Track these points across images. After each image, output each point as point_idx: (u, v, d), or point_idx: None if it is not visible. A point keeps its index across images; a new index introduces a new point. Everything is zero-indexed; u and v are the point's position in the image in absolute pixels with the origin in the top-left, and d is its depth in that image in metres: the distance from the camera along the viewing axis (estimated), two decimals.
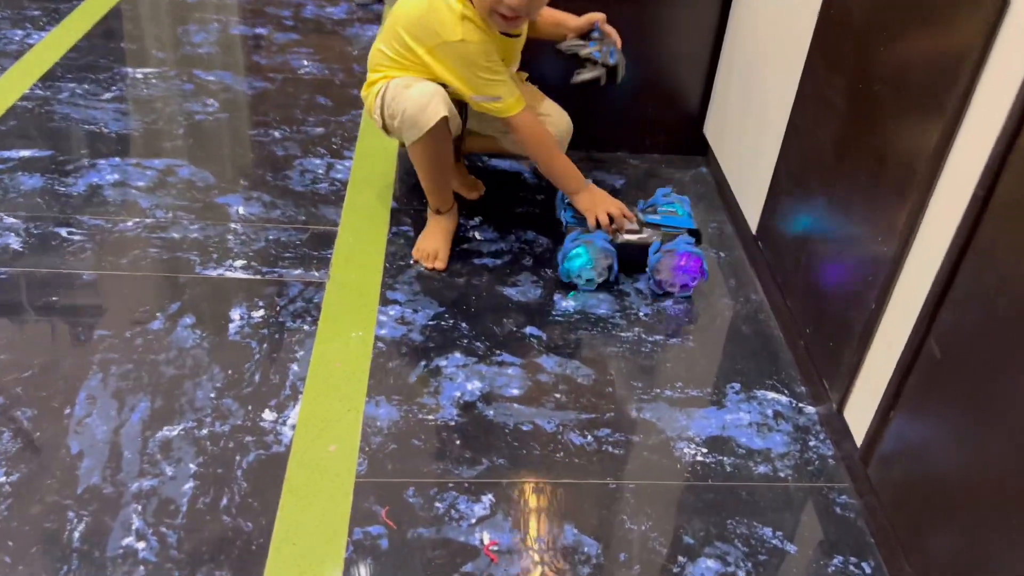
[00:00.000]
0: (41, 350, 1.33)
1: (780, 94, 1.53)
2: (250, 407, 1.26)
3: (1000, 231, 0.91)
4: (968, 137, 0.99)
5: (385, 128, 1.55)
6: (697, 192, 1.93)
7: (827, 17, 1.36)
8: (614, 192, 1.89)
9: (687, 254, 1.54)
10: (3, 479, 1.11)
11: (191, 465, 1.16)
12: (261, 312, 1.45)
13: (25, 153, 1.83)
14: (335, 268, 1.57)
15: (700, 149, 2.06)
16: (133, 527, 1.07)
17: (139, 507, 1.10)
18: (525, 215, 1.78)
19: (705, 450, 1.26)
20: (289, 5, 2.74)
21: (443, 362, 1.37)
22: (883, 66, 1.17)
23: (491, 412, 1.29)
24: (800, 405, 1.35)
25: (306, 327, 1.42)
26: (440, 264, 1.59)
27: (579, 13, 1.66)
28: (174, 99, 2.11)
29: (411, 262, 1.60)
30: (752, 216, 1.68)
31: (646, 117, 2.04)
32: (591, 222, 1.57)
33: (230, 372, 1.32)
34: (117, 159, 1.84)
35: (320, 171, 1.87)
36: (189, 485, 1.13)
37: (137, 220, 1.65)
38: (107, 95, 2.10)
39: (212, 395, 1.27)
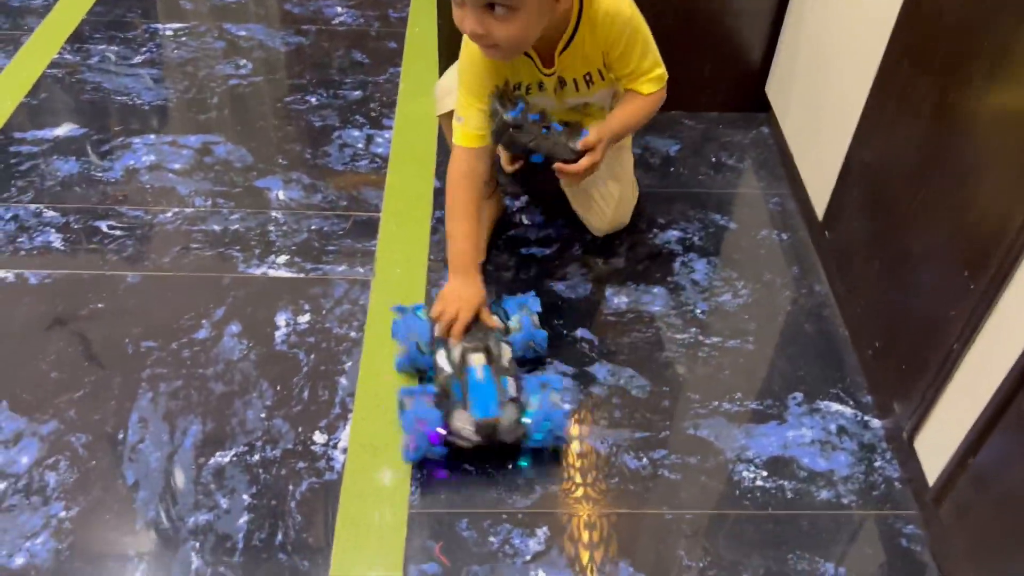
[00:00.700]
0: (91, 366, 1.32)
1: (856, 69, 1.40)
2: (300, 428, 1.25)
3: None
4: None
5: None
6: (757, 158, 1.82)
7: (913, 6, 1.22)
8: (667, 161, 1.80)
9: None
10: (63, 514, 1.13)
11: (245, 496, 1.16)
12: (307, 317, 1.42)
13: (59, 132, 1.78)
14: (379, 263, 1.52)
15: (762, 106, 1.93)
16: (193, 567, 1.08)
17: (197, 544, 1.10)
18: None
19: (765, 473, 1.22)
20: None
21: None
22: (981, 67, 1.05)
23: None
24: (866, 419, 1.30)
25: (353, 333, 1.39)
26: (479, 257, 1.53)
27: None
28: (206, 61, 2.02)
29: None
30: (819, 199, 1.57)
31: (703, 72, 1.90)
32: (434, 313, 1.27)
33: (279, 388, 1.30)
34: (152, 136, 1.78)
35: (360, 144, 1.79)
36: (244, 519, 1.13)
37: (176, 210, 1.61)
38: (138, 58, 2.02)
39: (262, 415, 1.26)
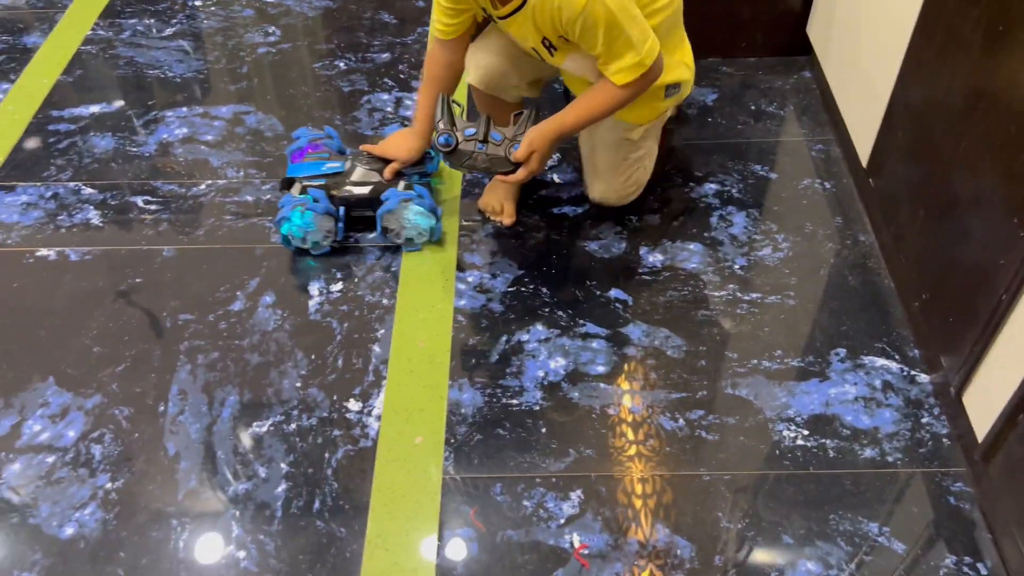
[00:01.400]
0: (131, 340, 1.34)
1: (900, 4, 1.33)
2: (335, 396, 1.25)
3: None
4: None
5: None
6: (799, 103, 1.75)
7: None
8: (704, 111, 1.74)
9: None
10: (109, 485, 1.16)
11: (282, 465, 1.17)
12: (339, 285, 1.42)
13: (95, 108, 1.80)
14: None
15: (803, 49, 1.85)
16: (233, 535, 1.10)
17: (237, 512, 1.12)
18: None
19: (807, 432, 1.19)
20: None
21: (524, 336, 1.33)
22: None
23: (576, 394, 1.24)
24: (912, 373, 1.25)
25: (385, 301, 1.39)
26: (507, 219, 1.50)
27: None
28: (235, 30, 2.01)
29: (485, 216, 1.53)
30: (863, 145, 1.51)
31: (740, 15, 1.83)
32: None
33: (313, 357, 1.31)
34: (184, 109, 1.79)
35: (388, 108, 1.78)
36: (282, 488, 1.15)
37: (209, 182, 1.62)
38: (169, 30, 2.02)
39: (298, 384, 1.27)
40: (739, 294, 1.38)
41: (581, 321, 1.35)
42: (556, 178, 1.60)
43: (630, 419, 1.21)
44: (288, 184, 1.47)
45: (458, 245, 1.48)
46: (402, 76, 1.86)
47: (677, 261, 1.44)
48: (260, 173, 1.63)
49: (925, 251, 1.27)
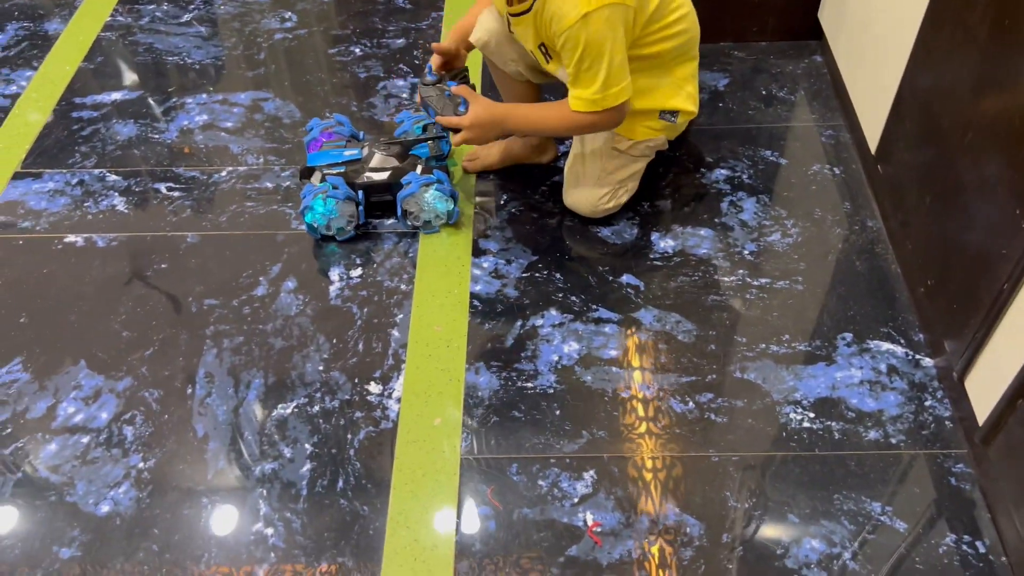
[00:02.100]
0: (159, 324, 1.39)
1: (907, 14, 1.34)
2: (356, 380, 1.30)
3: None
4: None
5: None
6: (810, 88, 1.77)
7: None
8: (715, 96, 1.76)
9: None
10: (141, 465, 1.21)
11: (307, 446, 1.22)
12: (359, 271, 1.46)
13: (116, 96, 1.83)
14: None
15: (814, 33, 1.86)
16: (261, 512, 1.15)
17: (264, 491, 1.18)
18: None
19: (813, 415, 1.23)
20: None
21: (539, 321, 1.36)
22: None
23: (589, 377, 1.29)
24: (917, 357, 1.28)
25: (403, 286, 1.43)
26: (471, 166, 1.58)
27: None
28: (251, 16, 2.04)
29: (502, 201, 1.56)
30: (871, 131, 1.53)
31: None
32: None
33: (334, 341, 1.35)
34: (204, 96, 1.82)
35: (404, 94, 1.80)
36: (307, 468, 1.20)
37: (230, 169, 1.65)
38: (187, 16, 2.05)
39: (320, 368, 1.32)
40: (748, 279, 1.41)
41: (594, 306, 1.38)
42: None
43: (641, 401, 1.26)
44: (308, 174, 1.51)
45: (473, 230, 1.52)
46: (417, 62, 1.89)
47: (688, 247, 1.47)
48: (279, 160, 1.67)
49: (931, 238, 1.30)
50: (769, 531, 1.11)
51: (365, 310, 1.40)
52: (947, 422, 1.21)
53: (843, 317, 1.35)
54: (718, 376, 1.28)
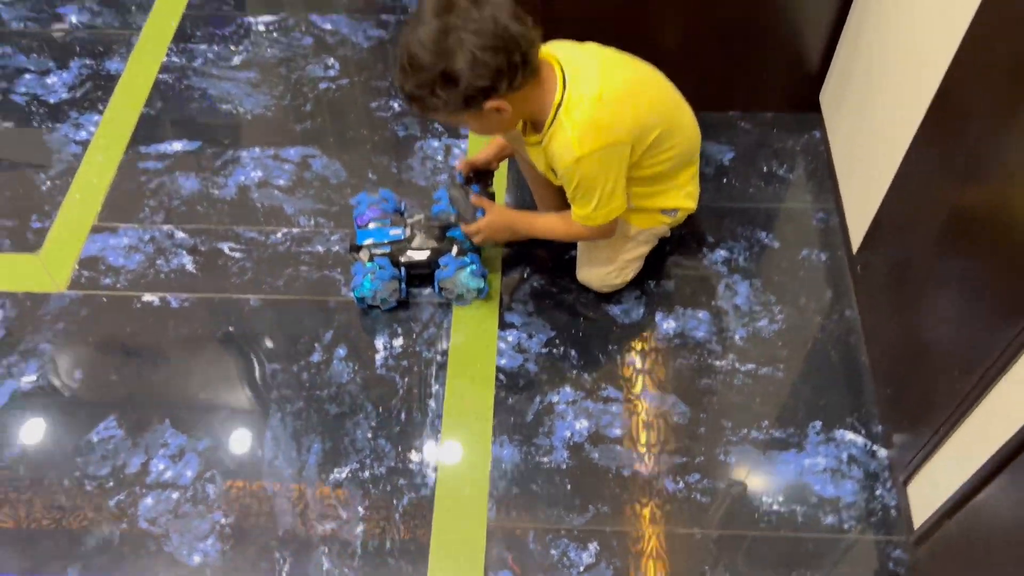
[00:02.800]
0: (229, 387, 1.62)
1: (909, 104, 1.45)
2: (400, 448, 1.54)
3: None
4: None
5: None
6: (808, 167, 1.94)
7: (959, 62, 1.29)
8: (720, 171, 1.94)
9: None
10: (223, 520, 1.46)
11: (359, 508, 1.47)
12: (400, 340, 1.68)
13: (178, 146, 2.02)
14: None
15: (815, 107, 2.02)
16: (324, 568, 1.41)
17: (325, 548, 1.43)
18: None
19: (782, 498, 1.47)
20: None
21: (555, 397, 1.60)
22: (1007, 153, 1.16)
23: (597, 455, 1.52)
24: (874, 448, 1.52)
25: (439, 357, 1.66)
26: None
27: None
28: (297, 61, 2.20)
29: (525, 275, 1.77)
30: (856, 224, 1.72)
31: (761, 74, 1.99)
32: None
33: (380, 410, 1.59)
34: (257, 149, 2.01)
35: (439, 156, 1.99)
36: (360, 528, 1.45)
37: (285, 231, 1.85)
38: (236, 59, 2.21)
39: (369, 435, 1.56)
40: (737, 364, 1.63)
41: (603, 385, 1.61)
42: None
43: (640, 480, 1.50)
44: (357, 249, 1.72)
45: (500, 304, 1.73)
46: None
47: (687, 329, 1.69)
48: (328, 223, 1.87)
49: (899, 340, 1.51)
50: None
51: (406, 379, 1.63)
52: (893, 511, 1.45)
53: (815, 406, 1.58)
54: (705, 458, 1.52)
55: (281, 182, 1.95)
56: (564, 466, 1.51)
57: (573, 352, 1.66)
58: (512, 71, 1.27)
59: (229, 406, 1.60)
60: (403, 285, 1.71)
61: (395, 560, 1.42)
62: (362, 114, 2.09)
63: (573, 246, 1.81)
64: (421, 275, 1.73)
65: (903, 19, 1.52)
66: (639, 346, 1.67)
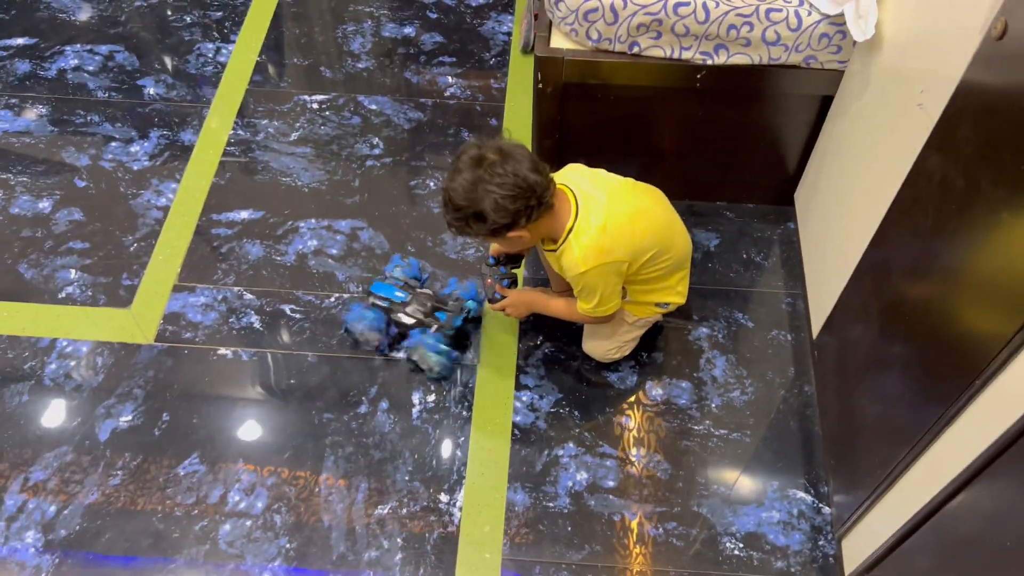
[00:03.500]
0: (291, 432, 1.96)
1: (867, 212, 1.73)
2: (431, 490, 1.88)
3: None
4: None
5: None
6: (781, 255, 2.28)
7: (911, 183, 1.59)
8: (707, 256, 2.27)
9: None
10: (288, 545, 1.80)
11: (398, 540, 1.81)
12: (433, 396, 2.02)
13: (244, 214, 2.36)
14: (483, 349, 2.09)
15: (791, 202, 2.35)
16: None
17: (371, 573, 1.77)
18: None
19: (742, 545, 1.80)
20: None
21: (560, 451, 1.93)
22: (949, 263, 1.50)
23: (593, 502, 1.86)
24: (820, 505, 1.85)
25: (464, 413, 1.99)
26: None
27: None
28: (347, 139, 2.53)
29: (538, 342, 2.11)
30: (817, 312, 2.05)
31: (743, 173, 2.32)
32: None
33: (416, 456, 1.93)
34: (313, 220, 2.35)
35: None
36: (399, 557, 1.79)
37: (337, 295, 2.19)
38: (294, 135, 2.55)
39: (406, 478, 1.89)
40: (712, 429, 1.97)
41: (600, 442, 1.95)
42: None
43: (627, 525, 1.83)
44: (368, 293, 2.08)
45: (516, 368, 2.07)
46: None
47: (672, 396, 2.02)
48: None
49: (845, 412, 1.84)
50: None
51: (437, 431, 1.97)
52: (831, 559, 1.79)
53: (774, 468, 1.91)
54: (682, 508, 1.85)
55: (334, 251, 2.29)
56: (566, 511, 1.85)
57: (576, 412, 2.00)
58: (528, 211, 1.62)
59: (292, 447, 1.94)
60: (385, 339, 2.06)
61: None
62: (403, 191, 2.42)
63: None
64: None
65: (864, 141, 1.85)
66: (631, 410, 2.00)
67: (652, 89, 2.06)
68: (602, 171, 1.81)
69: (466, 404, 2.01)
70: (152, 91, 2.66)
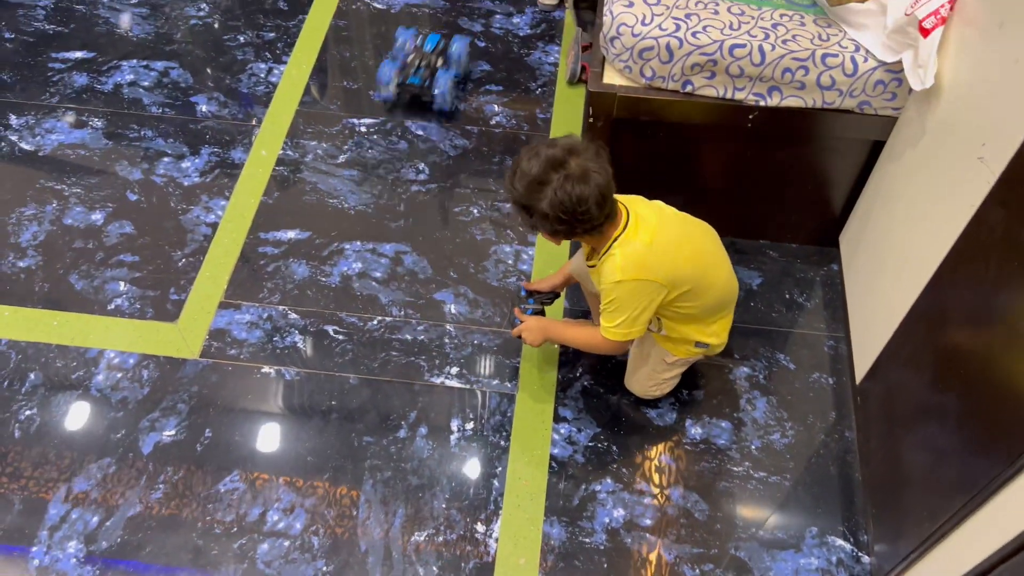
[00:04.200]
0: (331, 454, 1.98)
1: (921, 261, 1.72)
2: (468, 519, 1.88)
3: None
4: None
5: None
6: (824, 297, 2.27)
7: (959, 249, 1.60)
8: (749, 295, 2.27)
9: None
10: (325, 568, 1.81)
11: (434, 568, 1.81)
12: (471, 424, 2.03)
13: (291, 234, 2.39)
14: (522, 379, 2.10)
15: (835, 243, 2.35)
16: None
17: None
18: None
19: None
20: (479, 14, 3.01)
21: (598, 487, 1.93)
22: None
23: (630, 540, 1.86)
24: (859, 554, 1.83)
25: (502, 442, 2.00)
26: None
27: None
28: (393, 163, 2.56)
29: (577, 374, 2.11)
30: (861, 358, 2.04)
31: (789, 213, 2.33)
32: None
33: (453, 484, 1.93)
34: (358, 243, 2.37)
35: (510, 261, 2.34)
36: None
37: (380, 318, 2.21)
38: (341, 157, 2.58)
39: (443, 506, 1.90)
40: (751, 471, 1.96)
41: (638, 479, 1.94)
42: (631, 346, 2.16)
43: (663, 564, 1.82)
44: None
45: (554, 399, 2.07)
46: (520, 228, 2.41)
47: (712, 436, 2.02)
48: (416, 314, 2.22)
49: (888, 461, 1.83)
50: None
51: (475, 460, 1.97)
52: None
53: (813, 513, 1.90)
54: (719, 552, 1.84)
55: (377, 274, 2.31)
56: (602, 547, 1.84)
57: (615, 447, 1.99)
58: (569, 232, 1.65)
59: (331, 469, 1.95)
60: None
61: None
62: (447, 217, 2.45)
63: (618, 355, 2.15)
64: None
65: (919, 190, 1.84)
66: (670, 448, 2.00)
67: (703, 127, 2.07)
68: (659, 202, 1.82)
69: (504, 434, 2.02)
70: (204, 108, 2.71)
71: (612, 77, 2.04)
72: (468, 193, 2.51)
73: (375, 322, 2.21)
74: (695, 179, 2.26)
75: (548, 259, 2.34)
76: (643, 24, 1.93)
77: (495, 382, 2.10)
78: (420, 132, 2.66)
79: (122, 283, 2.27)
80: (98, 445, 1.97)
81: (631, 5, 1.97)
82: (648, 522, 1.88)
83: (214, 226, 2.40)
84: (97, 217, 2.41)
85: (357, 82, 2.80)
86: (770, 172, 2.21)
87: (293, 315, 2.22)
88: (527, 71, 2.85)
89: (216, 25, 2.97)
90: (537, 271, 2.31)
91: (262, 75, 2.81)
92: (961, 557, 1.45)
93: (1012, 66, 1.47)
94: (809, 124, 2.01)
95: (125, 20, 2.98)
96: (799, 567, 1.82)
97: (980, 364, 1.50)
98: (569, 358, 2.15)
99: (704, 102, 2.00)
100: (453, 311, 2.24)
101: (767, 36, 1.91)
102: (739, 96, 1.97)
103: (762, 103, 1.97)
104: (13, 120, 2.64)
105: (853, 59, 1.88)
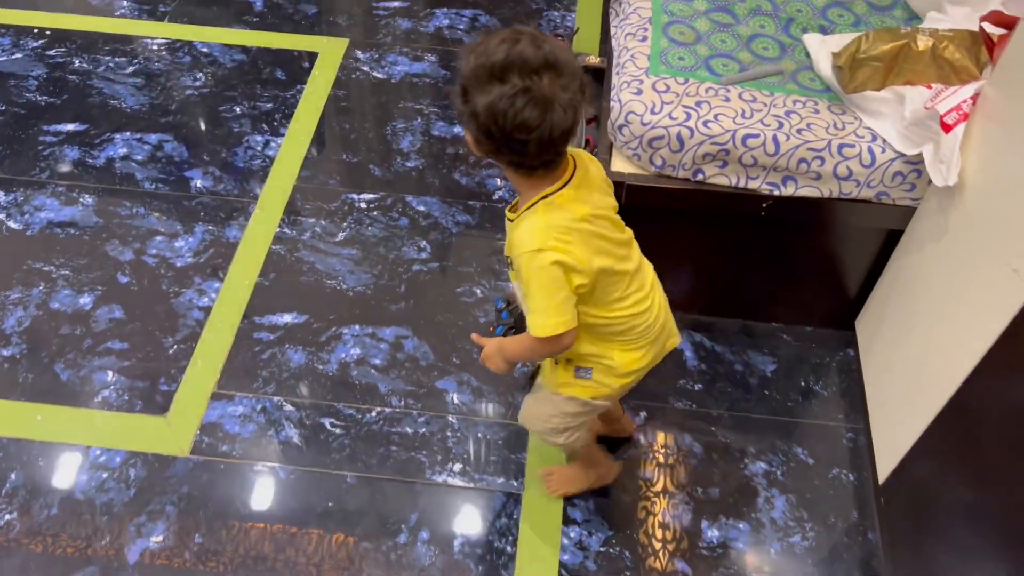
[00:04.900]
0: (331, 561, 1.87)
1: (955, 356, 1.62)
2: None
3: None
4: None
5: None
6: (841, 385, 2.19)
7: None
8: (763, 382, 2.19)
9: None
10: None
11: None
12: (477, 528, 1.92)
13: (287, 318, 2.30)
14: (529, 476, 2.00)
15: (851, 327, 2.27)
16: None
17: None
18: (686, 413, 2.12)
19: None
20: None
21: None
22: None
23: None
24: None
25: (508, 548, 1.90)
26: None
27: None
28: (393, 241, 2.49)
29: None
30: (883, 456, 1.95)
31: (803, 295, 2.25)
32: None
33: None
34: (357, 327, 2.29)
35: None
36: None
37: (379, 410, 2.12)
38: (340, 235, 2.51)
39: None
40: None
41: None
42: (643, 439, 2.08)
43: None
44: None
45: (563, 499, 1.98)
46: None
47: (729, 539, 1.92)
48: (416, 404, 2.13)
49: (918, 567, 1.73)
50: None
51: (480, 568, 1.87)
52: None
53: None
54: None
55: (377, 361, 2.22)
56: None
57: (627, 553, 1.89)
58: (494, 152, 1.32)
59: None
60: None
61: None
62: (449, 298, 2.37)
63: (631, 444, 2.05)
64: None
65: (943, 287, 1.76)
66: (688, 552, 1.90)
67: (714, 215, 2.01)
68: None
69: (510, 538, 1.91)
70: (199, 184, 2.64)
71: (620, 164, 1.98)
72: (471, 272, 2.43)
73: (374, 413, 2.12)
74: (704, 262, 2.19)
75: None
76: (652, 113, 1.88)
77: (500, 480, 2.00)
78: (421, 208, 2.59)
79: (110, 372, 2.17)
80: (82, 555, 1.86)
81: (639, 93, 1.91)
82: None
83: (207, 310, 2.32)
84: (86, 301, 2.32)
85: (357, 155, 2.74)
86: (783, 257, 2.14)
87: (288, 407, 2.13)
88: None
89: (212, 96, 2.92)
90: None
91: (259, 148, 2.75)
92: None
93: None
94: (825, 213, 1.95)
95: (120, 91, 2.92)
96: None
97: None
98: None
99: (716, 191, 1.94)
100: (456, 400, 2.15)
101: (781, 125, 1.85)
102: (752, 185, 1.91)
103: (776, 192, 1.91)
104: (1, 197, 2.56)
105: (871, 149, 1.82)
